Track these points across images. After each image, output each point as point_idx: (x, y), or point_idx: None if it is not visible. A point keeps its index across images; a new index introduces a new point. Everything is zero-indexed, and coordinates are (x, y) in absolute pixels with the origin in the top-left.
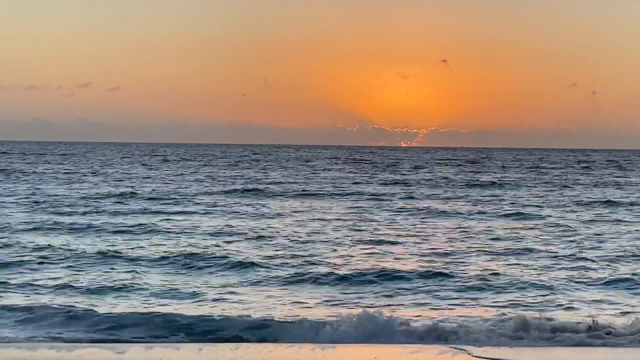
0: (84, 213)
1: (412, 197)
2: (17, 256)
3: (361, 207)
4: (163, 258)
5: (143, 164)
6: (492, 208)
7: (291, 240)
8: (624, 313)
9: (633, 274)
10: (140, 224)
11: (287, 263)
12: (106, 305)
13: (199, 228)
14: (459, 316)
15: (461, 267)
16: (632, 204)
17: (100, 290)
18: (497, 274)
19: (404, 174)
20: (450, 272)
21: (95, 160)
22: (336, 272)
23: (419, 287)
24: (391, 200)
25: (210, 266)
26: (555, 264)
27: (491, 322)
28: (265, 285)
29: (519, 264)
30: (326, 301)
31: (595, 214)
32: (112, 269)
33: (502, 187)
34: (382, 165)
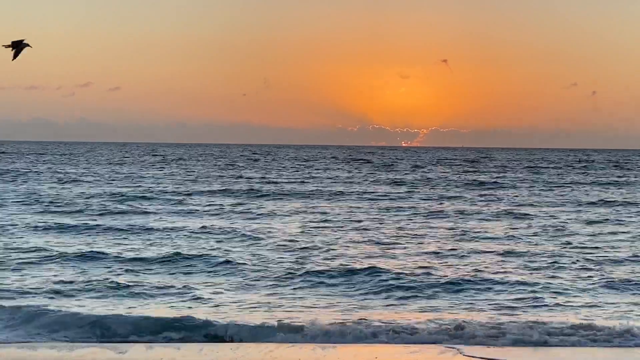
0: (69, 213)
1: (408, 197)
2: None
3: (358, 207)
4: (144, 259)
5: (139, 164)
6: (488, 208)
7: (281, 241)
8: (616, 313)
9: (626, 275)
10: (130, 224)
11: (273, 263)
12: (74, 307)
13: (186, 228)
14: (458, 316)
15: (456, 268)
16: (630, 204)
17: (76, 290)
18: (493, 274)
19: (399, 174)
20: (445, 272)
21: (92, 160)
22: (328, 272)
23: (416, 288)
24: (389, 200)
25: (193, 266)
26: (551, 264)
27: (487, 323)
28: (251, 286)
29: (514, 265)
30: (315, 303)
31: (593, 214)
32: (92, 268)
33: (500, 187)
34: (380, 165)
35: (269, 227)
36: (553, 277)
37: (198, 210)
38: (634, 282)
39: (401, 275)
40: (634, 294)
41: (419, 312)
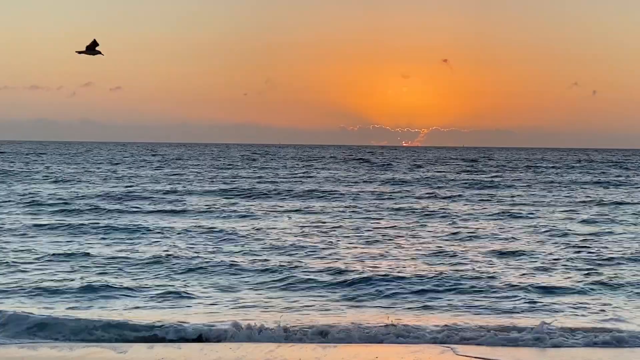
0: (54, 212)
1: (405, 197)
2: None
3: (354, 206)
4: (129, 259)
5: (137, 164)
6: (486, 208)
7: (275, 241)
8: (614, 314)
9: (623, 276)
10: (118, 224)
11: (266, 264)
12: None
13: (176, 228)
14: (456, 316)
15: (453, 268)
16: (630, 203)
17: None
18: (489, 274)
19: (397, 173)
20: (442, 272)
21: (90, 160)
22: (323, 272)
23: (414, 288)
24: (386, 199)
25: (180, 265)
26: (548, 264)
27: (486, 323)
28: (243, 287)
29: (511, 265)
30: (311, 304)
31: (591, 214)
32: (67, 269)
33: (499, 187)
34: (379, 165)
35: (263, 227)
36: (550, 277)
37: (190, 210)
38: (630, 283)
39: (398, 276)
40: (629, 294)
41: (418, 312)
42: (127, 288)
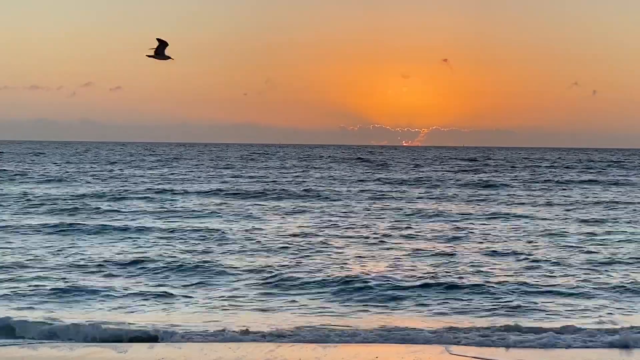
0: (43, 213)
1: (404, 197)
2: None
3: (352, 206)
4: (119, 260)
5: (134, 163)
6: (484, 208)
7: (271, 242)
8: (612, 314)
9: (622, 276)
10: (108, 225)
11: (262, 265)
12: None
13: (168, 229)
14: (455, 316)
15: (452, 269)
16: (630, 203)
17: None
18: (487, 274)
19: (397, 173)
20: (441, 273)
21: (88, 160)
22: (321, 273)
23: (413, 288)
24: (384, 199)
25: (169, 269)
26: (546, 265)
27: (483, 324)
28: (240, 289)
29: (509, 266)
30: (308, 304)
31: (590, 214)
32: (47, 271)
33: (498, 187)
34: (378, 165)
35: (257, 227)
36: (549, 277)
37: (184, 209)
38: (629, 283)
39: (396, 276)
40: (628, 294)
41: (417, 312)
42: (110, 288)
